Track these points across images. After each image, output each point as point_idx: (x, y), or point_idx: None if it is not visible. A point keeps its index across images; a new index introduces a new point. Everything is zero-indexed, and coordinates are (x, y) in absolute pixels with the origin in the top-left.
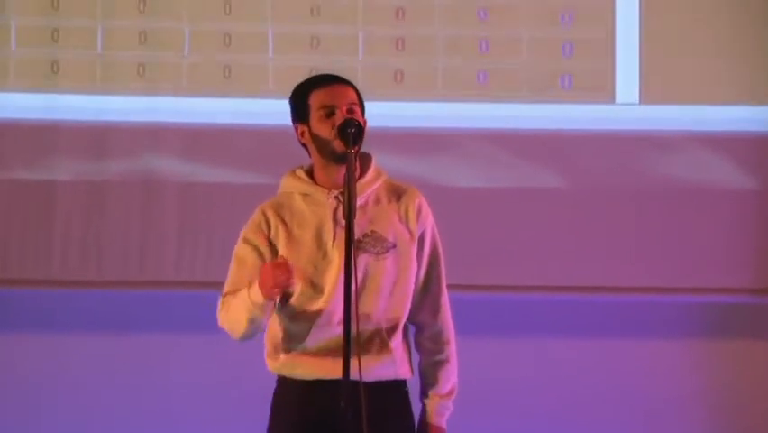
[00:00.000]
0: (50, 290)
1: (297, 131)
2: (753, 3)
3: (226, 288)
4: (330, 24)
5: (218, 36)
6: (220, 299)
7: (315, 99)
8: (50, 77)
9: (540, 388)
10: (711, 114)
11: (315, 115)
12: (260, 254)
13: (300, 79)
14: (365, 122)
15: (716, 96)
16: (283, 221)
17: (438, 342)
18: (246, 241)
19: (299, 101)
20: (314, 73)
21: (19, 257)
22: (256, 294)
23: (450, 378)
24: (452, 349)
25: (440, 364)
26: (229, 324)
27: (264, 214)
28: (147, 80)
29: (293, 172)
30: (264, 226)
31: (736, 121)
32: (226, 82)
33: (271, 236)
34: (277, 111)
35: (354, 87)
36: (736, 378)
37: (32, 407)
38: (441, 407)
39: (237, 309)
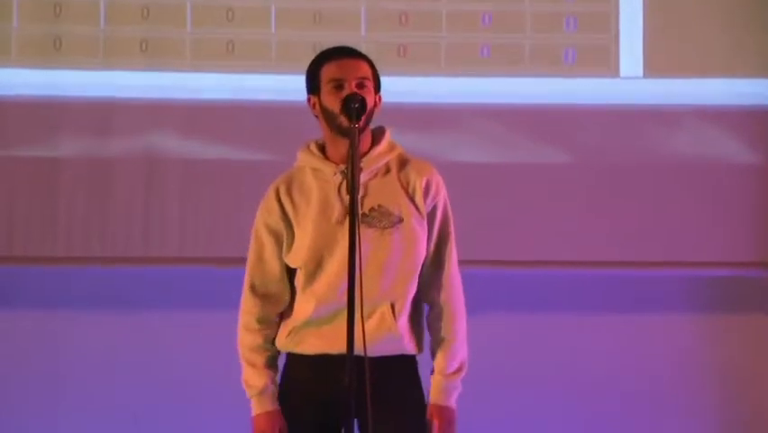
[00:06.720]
0: (55, 267)
1: (309, 102)
2: None
3: (247, 280)
4: None
5: (221, 11)
6: (244, 294)
7: (326, 72)
8: (53, 53)
9: (546, 363)
10: (716, 87)
11: (325, 88)
12: (277, 238)
13: (303, 55)
14: (380, 98)
15: (720, 69)
16: (293, 198)
17: (443, 319)
18: (262, 225)
19: (312, 73)
20: (317, 49)
21: (23, 234)
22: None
23: (455, 356)
24: (457, 327)
25: (444, 343)
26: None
27: (276, 193)
28: (150, 56)
29: (307, 146)
30: (277, 208)
31: (741, 94)
32: (229, 57)
33: (285, 214)
34: (280, 86)
35: (368, 61)
36: (742, 351)
37: (37, 384)
38: (445, 386)
39: (244, 370)
